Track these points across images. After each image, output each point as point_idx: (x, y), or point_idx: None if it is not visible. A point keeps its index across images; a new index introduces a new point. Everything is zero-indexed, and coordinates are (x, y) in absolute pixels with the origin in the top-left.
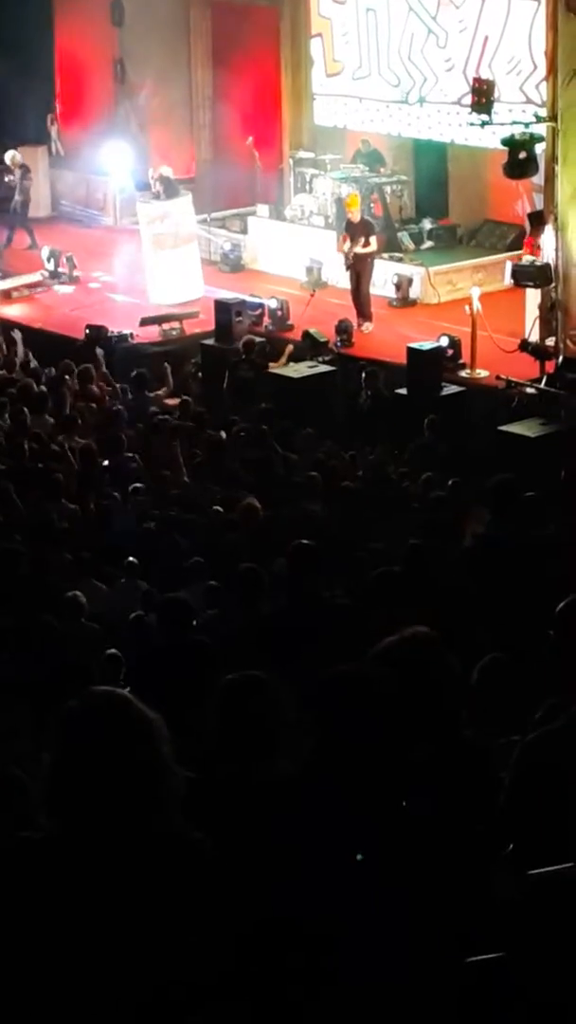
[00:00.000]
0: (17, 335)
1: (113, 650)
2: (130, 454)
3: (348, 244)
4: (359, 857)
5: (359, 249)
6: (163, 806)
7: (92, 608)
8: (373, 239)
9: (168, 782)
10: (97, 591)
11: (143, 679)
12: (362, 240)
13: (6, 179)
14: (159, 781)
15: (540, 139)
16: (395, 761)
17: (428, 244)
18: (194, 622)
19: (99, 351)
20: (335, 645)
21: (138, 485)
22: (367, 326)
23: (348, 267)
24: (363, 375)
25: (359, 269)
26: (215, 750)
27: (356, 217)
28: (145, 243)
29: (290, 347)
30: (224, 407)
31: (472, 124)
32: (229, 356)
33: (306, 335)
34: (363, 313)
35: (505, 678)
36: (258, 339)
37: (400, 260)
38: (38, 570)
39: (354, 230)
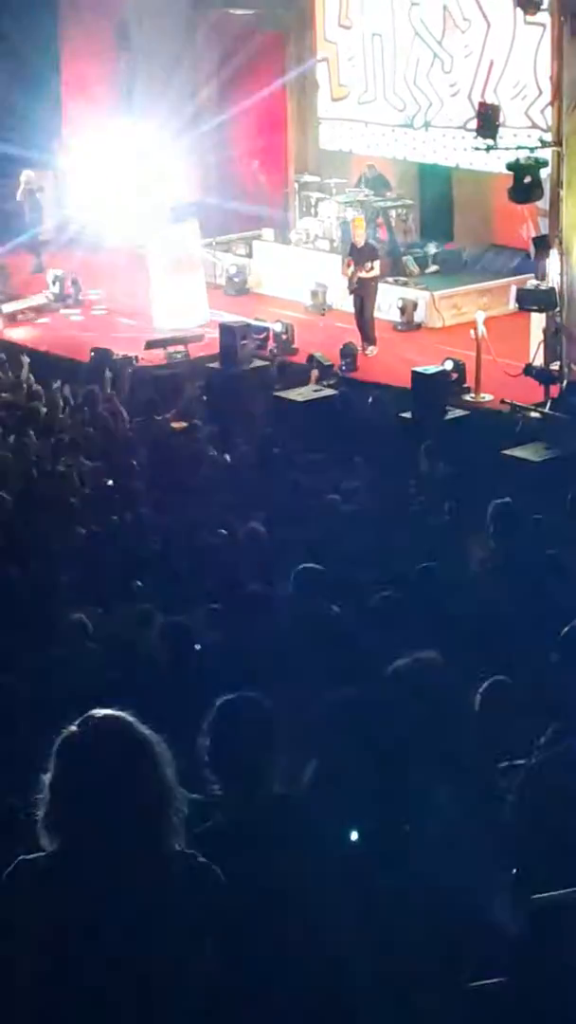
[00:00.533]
0: (25, 360)
1: (116, 673)
2: (136, 477)
3: (351, 269)
4: (354, 836)
5: (363, 274)
6: (165, 827)
7: (95, 631)
8: (376, 263)
9: (170, 803)
10: (100, 614)
11: (144, 702)
12: (367, 264)
13: (18, 199)
14: (161, 802)
15: (545, 164)
16: (397, 783)
17: (433, 268)
18: (196, 646)
19: (107, 374)
20: (339, 668)
21: (143, 508)
22: (371, 350)
23: (352, 291)
24: (370, 400)
25: (363, 293)
26: (208, 770)
27: (360, 241)
28: (151, 268)
29: (315, 372)
30: (255, 428)
31: (477, 148)
32: (265, 379)
33: (311, 359)
34: (367, 337)
35: (507, 702)
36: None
37: (405, 284)
38: (41, 594)
39: (358, 254)
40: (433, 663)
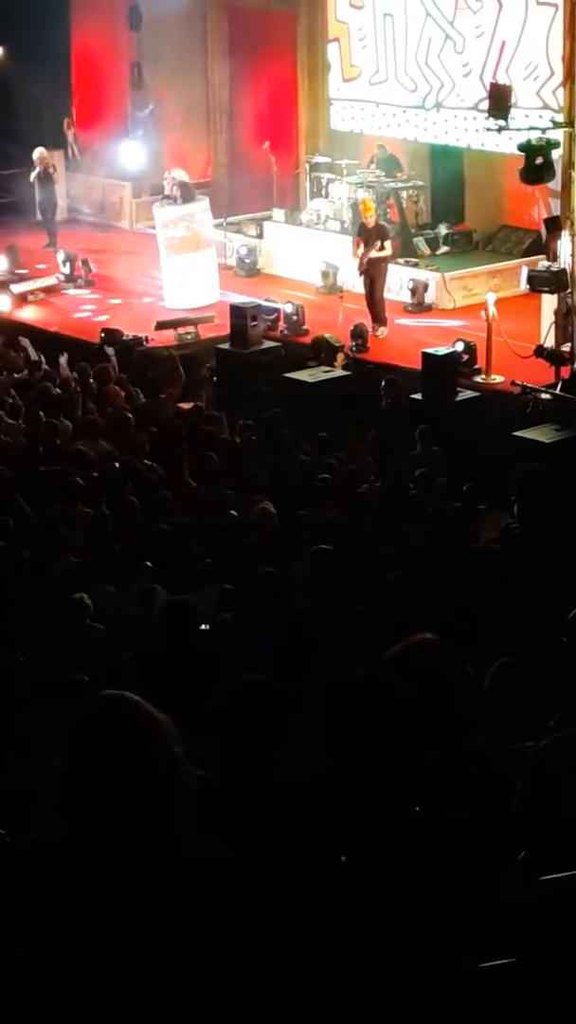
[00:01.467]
0: (25, 342)
1: (124, 653)
2: (146, 458)
3: (362, 249)
4: (343, 858)
5: (374, 253)
6: (175, 806)
7: (104, 611)
8: (388, 243)
9: (180, 782)
10: (108, 594)
11: (149, 681)
12: (377, 244)
13: (31, 179)
14: (170, 781)
15: (557, 144)
16: (407, 766)
17: (444, 249)
18: (203, 626)
19: (111, 354)
20: (352, 650)
21: (153, 488)
22: (382, 331)
23: (362, 272)
24: (383, 383)
25: (373, 274)
26: (220, 755)
27: (371, 222)
28: (161, 247)
29: (341, 355)
30: (265, 409)
31: (489, 129)
32: (301, 358)
33: (322, 340)
34: (377, 318)
35: (516, 683)
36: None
37: (416, 265)
38: (47, 573)
39: (368, 235)
40: (429, 645)
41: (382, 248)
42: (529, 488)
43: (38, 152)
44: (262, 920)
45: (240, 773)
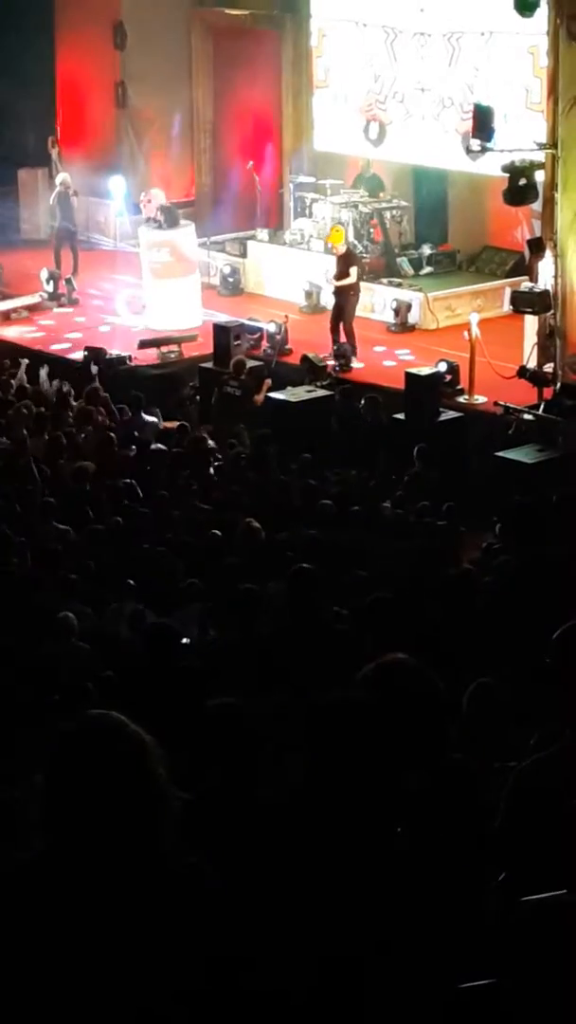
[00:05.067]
0: (23, 362)
1: (108, 672)
2: (127, 477)
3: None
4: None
5: (335, 281)
6: (159, 827)
7: (85, 629)
8: (353, 270)
9: (164, 804)
10: (88, 613)
11: (131, 701)
12: (351, 271)
13: (51, 202)
14: (155, 802)
15: (540, 166)
16: (386, 787)
17: (427, 269)
18: (184, 639)
19: (95, 371)
20: (331, 669)
21: (135, 507)
22: (354, 362)
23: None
24: (363, 401)
25: (342, 302)
26: (198, 776)
27: (340, 250)
28: (145, 270)
29: (268, 381)
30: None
31: (472, 150)
32: (220, 376)
33: (304, 359)
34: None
35: (493, 704)
36: (252, 362)
37: (399, 285)
38: (31, 591)
39: (336, 263)
40: (403, 664)
41: (346, 275)
42: (518, 519)
43: (60, 176)
44: (244, 941)
45: (218, 795)
